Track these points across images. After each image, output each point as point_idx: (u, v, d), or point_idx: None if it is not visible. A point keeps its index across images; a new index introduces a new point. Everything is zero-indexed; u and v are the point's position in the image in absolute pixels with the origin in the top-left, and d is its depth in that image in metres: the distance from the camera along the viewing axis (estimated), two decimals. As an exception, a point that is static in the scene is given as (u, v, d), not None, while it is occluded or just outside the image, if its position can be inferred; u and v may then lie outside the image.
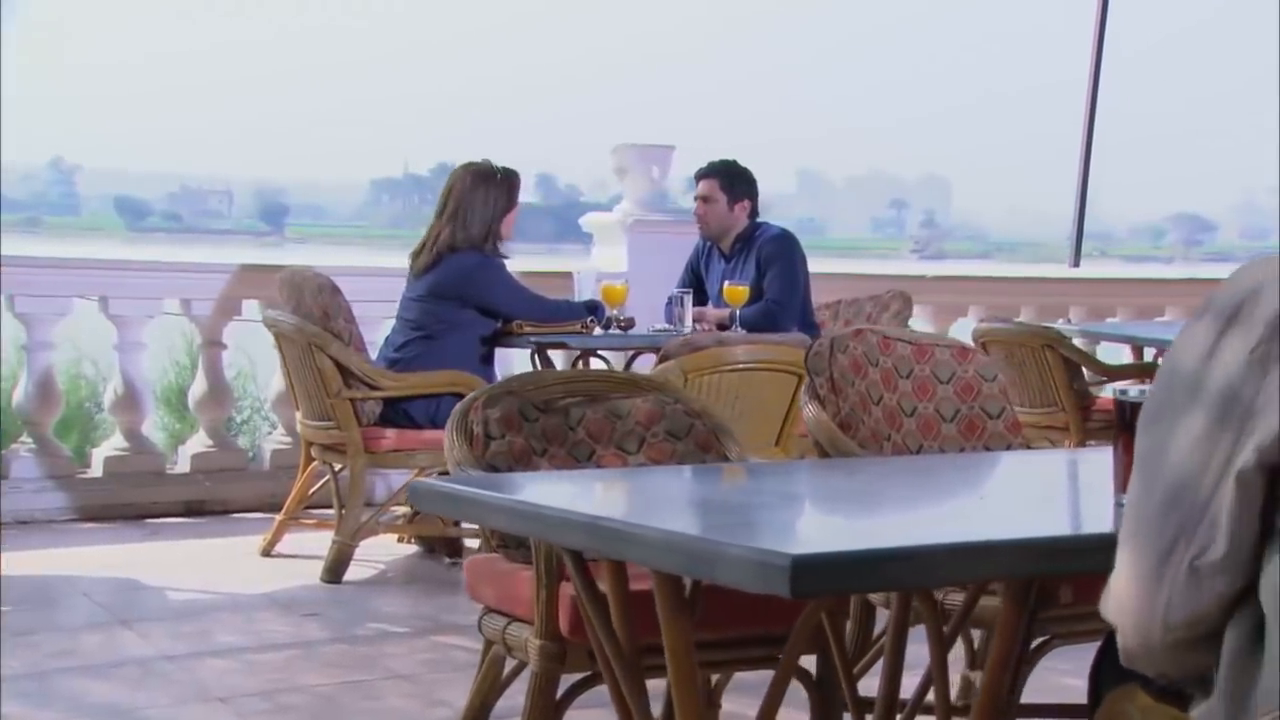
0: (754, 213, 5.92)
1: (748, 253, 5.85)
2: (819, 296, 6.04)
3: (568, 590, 2.68)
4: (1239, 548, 1.54)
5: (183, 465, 6.28)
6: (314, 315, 5.13)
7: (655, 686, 2.31)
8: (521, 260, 6.00)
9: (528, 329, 5.32)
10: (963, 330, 6.87)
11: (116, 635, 4.27)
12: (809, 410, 3.55)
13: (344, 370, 5.10)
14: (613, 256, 7.04)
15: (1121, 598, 1.61)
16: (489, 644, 3.04)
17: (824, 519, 2.08)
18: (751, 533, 1.84)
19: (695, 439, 3.48)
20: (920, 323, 6.95)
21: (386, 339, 5.51)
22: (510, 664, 3.01)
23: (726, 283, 5.73)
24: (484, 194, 5.29)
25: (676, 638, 2.02)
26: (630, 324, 5.63)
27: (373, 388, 5.14)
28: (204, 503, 6.14)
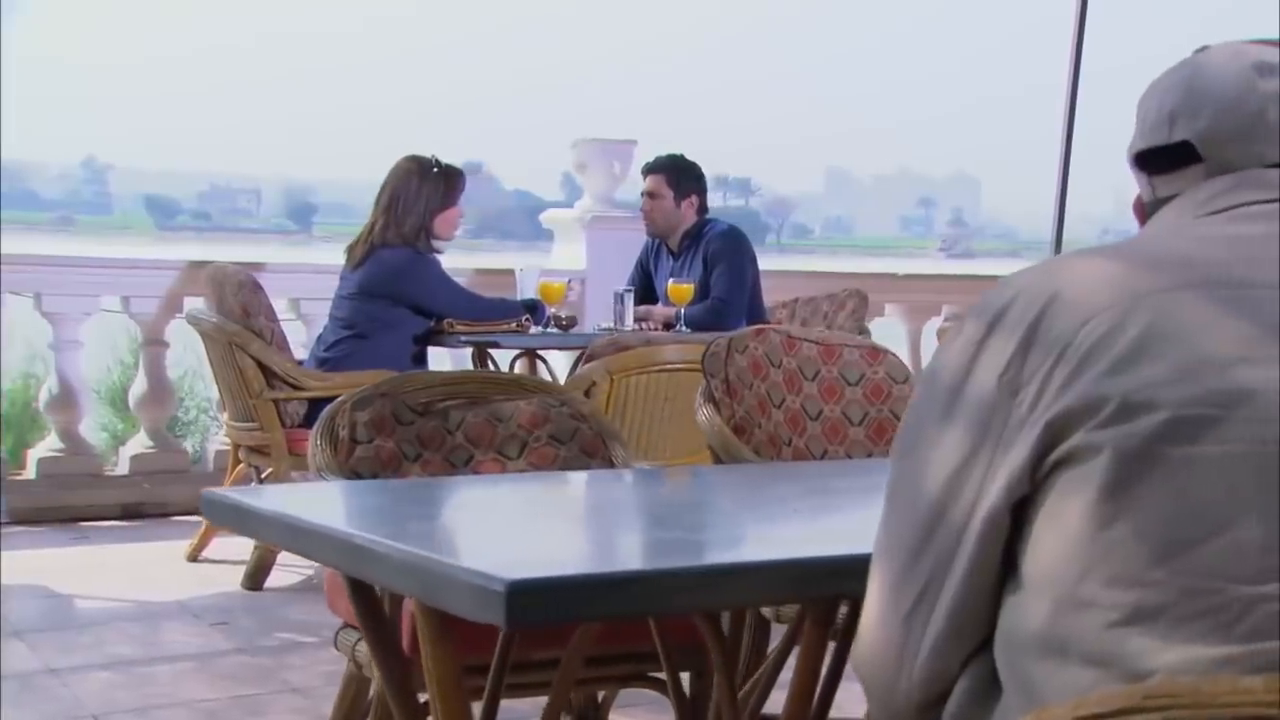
0: (702, 209, 5.73)
1: (695, 250, 5.66)
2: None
3: (411, 606, 2.50)
4: (980, 597, 1.34)
5: (122, 467, 6.13)
6: (235, 313, 4.96)
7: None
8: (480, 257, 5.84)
9: (459, 328, 5.14)
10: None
11: (5, 647, 4.10)
12: (702, 414, 3.36)
13: (267, 370, 4.93)
14: (572, 253, 6.87)
15: (866, 654, 1.41)
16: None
17: (595, 535, 1.86)
18: (483, 552, 1.64)
19: (580, 443, 3.29)
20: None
21: (318, 338, 5.34)
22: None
23: (670, 281, 5.54)
24: (419, 188, 5.11)
25: (437, 666, 1.83)
26: (572, 323, 5.45)
27: (296, 388, 4.97)
28: (142, 505, 5.97)
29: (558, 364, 5.93)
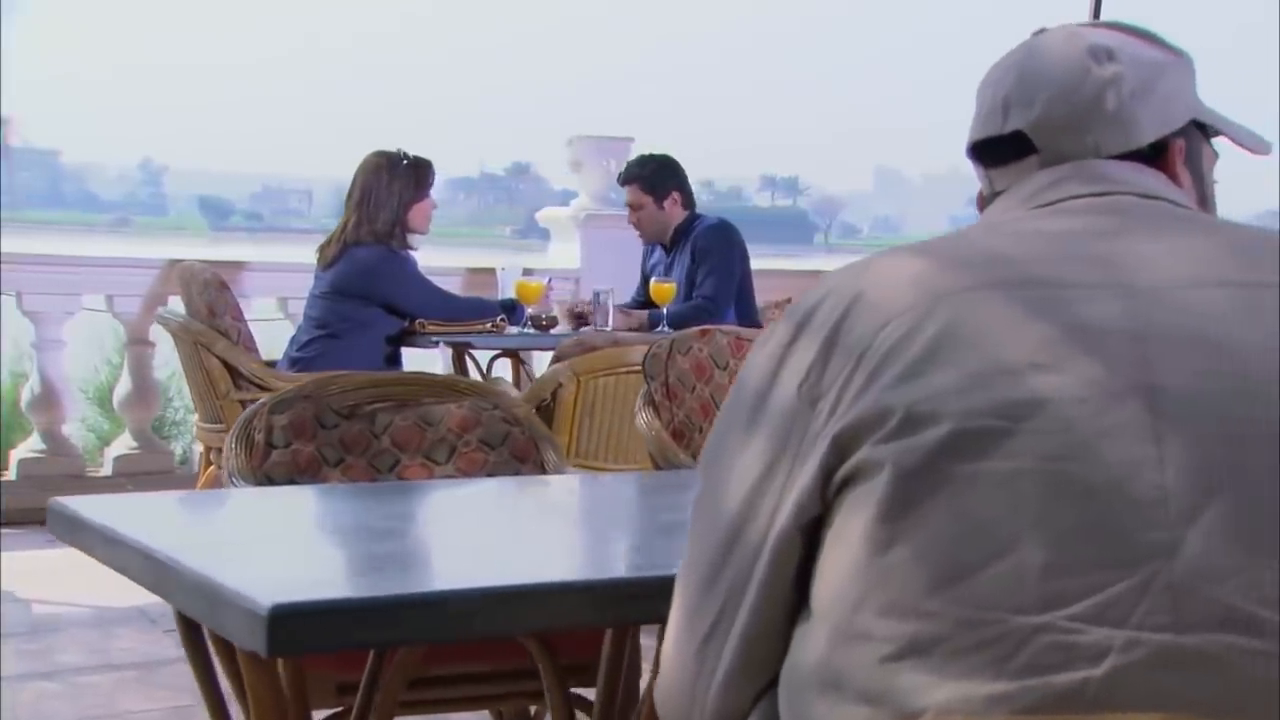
0: (689, 202, 5.57)
1: (684, 245, 5.51)
2: None
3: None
4: (772, 628, 1.20)
5: (106, 468, 6.05)
6: (201, 313, 4.86)
7: None
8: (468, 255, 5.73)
9: (431, 328, 5.01)
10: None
11: (-51, 654, 4.01)
12: (640, 418, 3.23)
13: (234, 370, 4.83)
14: (567, 252, 6.74)
15: (663, 685, 1.28)
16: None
17: (398, 551, 1.69)
18: (263, 572, 1.51)
19: (511, 448, 3.16)
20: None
21: (291, 338, 5.24)
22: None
23: (653, 279, 5.39)
24: (388, 182, 4.99)
25: (253, 692, 1.70)
26: (553, 323, 5.31)
27: (263, 389, 4.85)
28: (123, 508, 5.87)
29: (542, 365, 5.79)
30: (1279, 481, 1.10)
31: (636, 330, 5.22)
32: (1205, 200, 1.43)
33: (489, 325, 5.10)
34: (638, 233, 5.59)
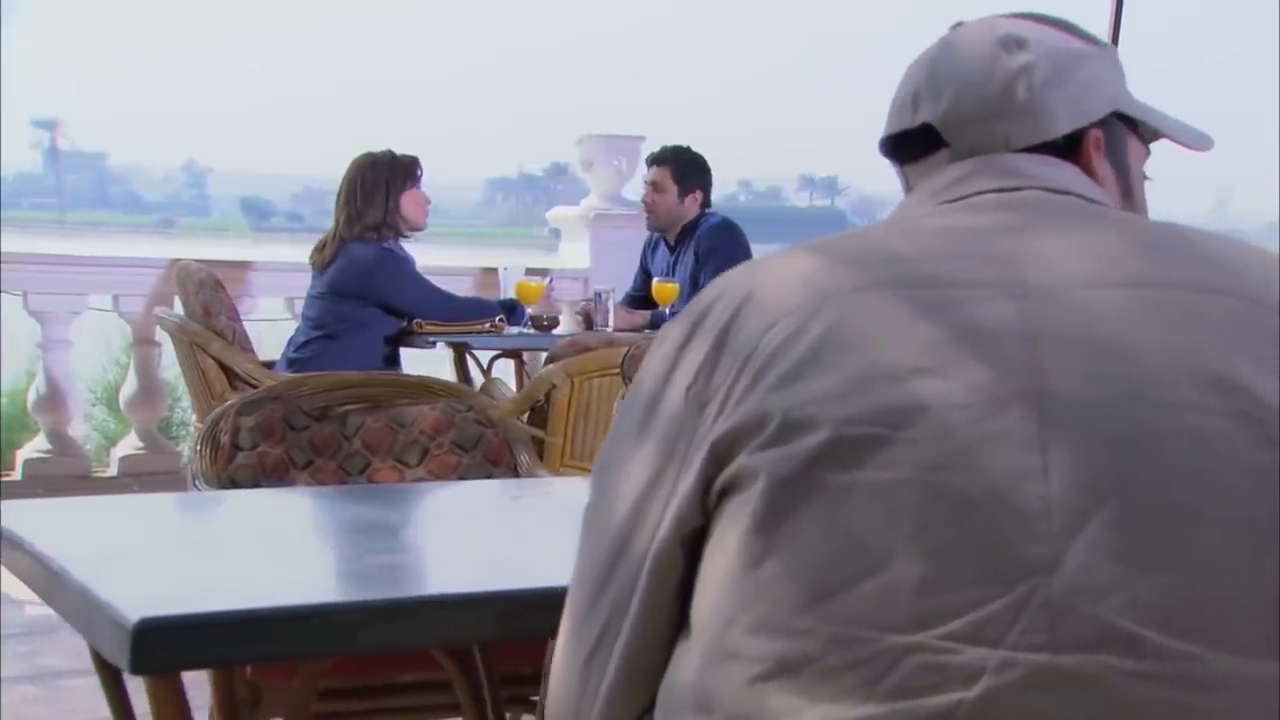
0: (705, 204, 5.50)
1: (689, 243, 5.44)
2: None
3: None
4: (653, 646, 1.15)
5: (112, 469, 6.04)
6: (196, 313, 4.83)
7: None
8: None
9: (428, 328, 4.96)
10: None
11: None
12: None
13: (229, 371, 4.80)
14: (577, 252, 6.69)
15: (550, 703, 1.22)
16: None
17: (287, 561, 1.62)
18: (140, 583, 1.45)
19: (485, 450, 3.11)
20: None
21: (289, 339, 5.20)
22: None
23: (656, 279, 5.33)
24: (374, 177, 4.93)
25: (154, 698, 1.65)
26: (554, 323, 5.26)
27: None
28: (128, 508, 5.86)
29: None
30: (1169, 492, 1.04)
31: (639, 330, 5.17)
32: (1131, 195, 1.36)
33: (488, 325, 5.05)
34: (646, 214, 5.49)
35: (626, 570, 1.15)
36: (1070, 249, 1.15)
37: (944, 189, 1.26)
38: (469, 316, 5.05)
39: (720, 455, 1.10)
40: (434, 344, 5.17)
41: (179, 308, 6.02)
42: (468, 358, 5.50)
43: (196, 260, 5.19)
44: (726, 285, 1.19)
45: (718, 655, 1.07)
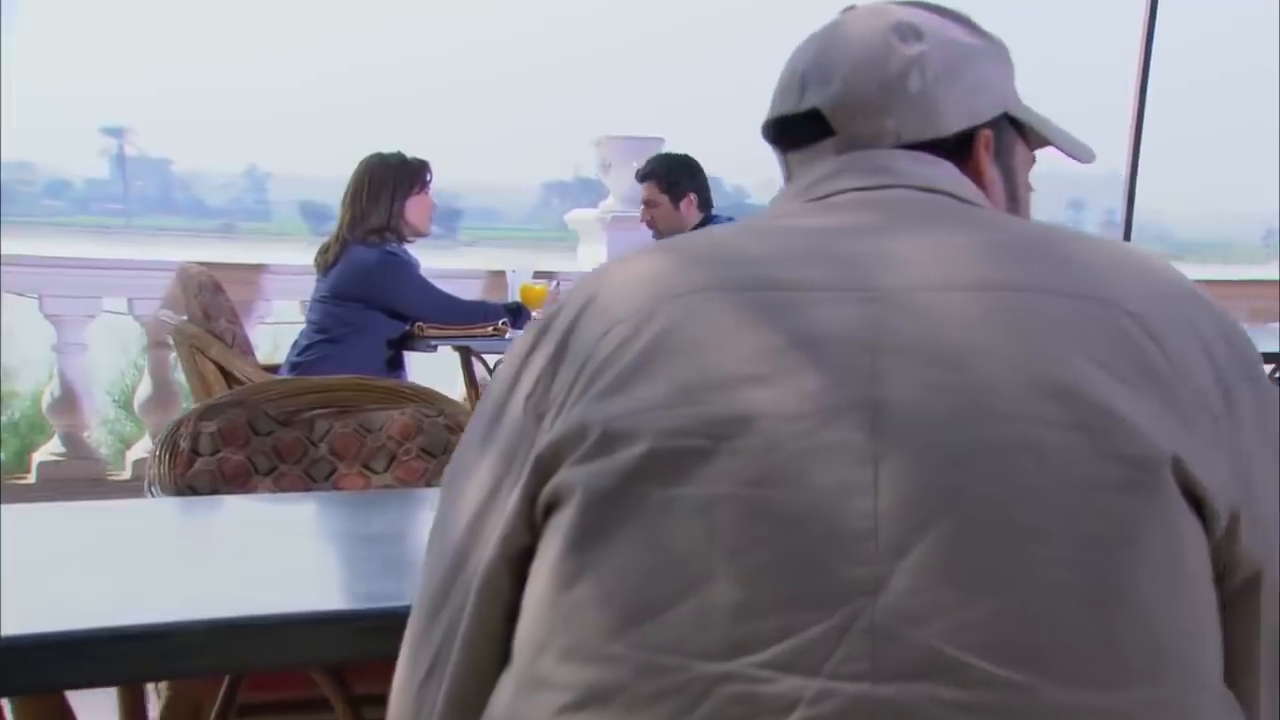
0: (705, 204, 5.44)
1: (699, 247, 5.37)
2: None
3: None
4: (481, 673, 1.08)
5: (127, 472, 6.04)
6: (196, 316, 4.81)
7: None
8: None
9: (431, 331, 4.92)
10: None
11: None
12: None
13: (228, 374, 4.77)
14: (596, 255, 6.63)
15: None
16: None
17: (119, 579, 1.54)
18: (18, 602, 1.39)
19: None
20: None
21: (293, 343, 5.17)
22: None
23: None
24: (381, 180, 4.90)
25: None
26: (560, 326, 5.20)
27: (259, 393, 4.79)
28: (141, 511, 5.86)
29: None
30: (1004, 510, 0.96)
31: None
32: (1015, 199, 1.29)
33: (490, 329, 5.00)
34: (652, 233, 5.48)
35: (461, 590, 1.09)
36: (924, 250, 1.08)
37: (811, 186, 1.20)
38: (472, 320, 5.00)
39: (544, 469, 1.04)
40: (435, 347, 5.13)
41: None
42: (474, 361, 5.45)
43: (197, 263, 5.17)
44: (576, 288, 1.13)
45: (528, 683, 1.00)
